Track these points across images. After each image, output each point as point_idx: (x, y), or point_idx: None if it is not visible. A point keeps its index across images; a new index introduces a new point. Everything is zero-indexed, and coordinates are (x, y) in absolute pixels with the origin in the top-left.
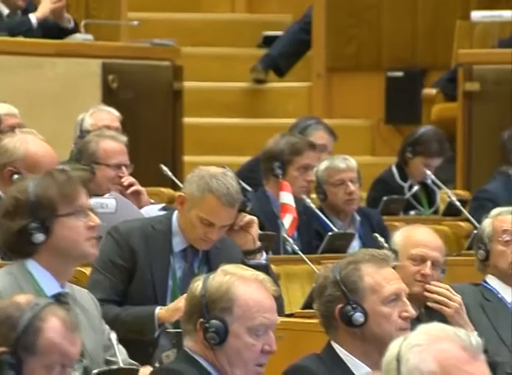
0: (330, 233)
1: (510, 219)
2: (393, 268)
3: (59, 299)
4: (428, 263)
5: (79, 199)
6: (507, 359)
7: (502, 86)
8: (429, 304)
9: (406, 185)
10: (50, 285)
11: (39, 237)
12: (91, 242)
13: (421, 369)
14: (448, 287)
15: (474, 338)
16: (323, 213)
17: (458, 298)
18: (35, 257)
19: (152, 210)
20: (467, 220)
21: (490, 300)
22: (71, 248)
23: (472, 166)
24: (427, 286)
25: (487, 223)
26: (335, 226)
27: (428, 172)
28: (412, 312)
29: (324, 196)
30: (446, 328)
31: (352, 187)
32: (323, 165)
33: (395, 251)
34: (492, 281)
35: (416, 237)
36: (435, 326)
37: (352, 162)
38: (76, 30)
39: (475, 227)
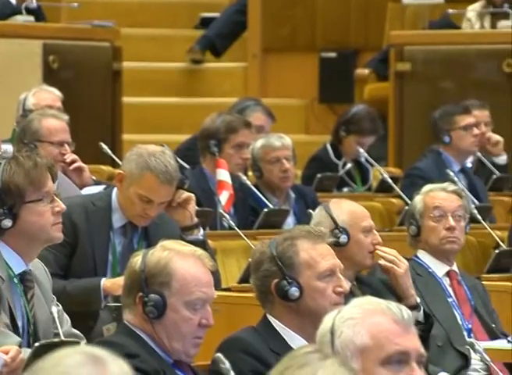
0: (266, 210)
1: (441, 195)
2: (346, 245)
3: (25, 278)
4: (375, 231)
5: (46, 185)
6: (438, 332)
7: (432, 66)
8: (380, 262)
9: (340, 163)
10: (17, 264)
11: (6, 222)
12: (57, 226)
13: (354, 341)
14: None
15: (406, 311)
16: (259, 190)
17: (405, 261)
18: (3, 238)
19: (97, 190)
20: (399, 197)
21: (421, 275)
22: (38, 233)
23: (404, 144)
24: (377, 247)
25: (418, 200)
26: (270, 203)
27: (362, 150)
28: (346, 287)
29: (260, 173)
30: (378, 302)
31: (287, 164)
32: (259, 143)
33: (344, 229)
34: (423, 256)
35: (358, 210)
36: (367, 300)
37: (287, 140)
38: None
39: (407, 204)
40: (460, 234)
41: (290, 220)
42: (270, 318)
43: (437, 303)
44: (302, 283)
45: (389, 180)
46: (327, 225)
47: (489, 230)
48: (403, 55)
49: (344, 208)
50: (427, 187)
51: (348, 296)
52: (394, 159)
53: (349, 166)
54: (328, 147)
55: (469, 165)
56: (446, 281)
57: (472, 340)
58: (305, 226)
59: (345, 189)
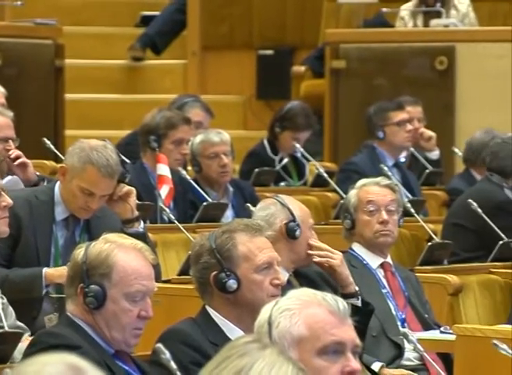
0: (205, 204)
1: (374, 190)
2: (297, 238)
3: None
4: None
5: None
6: (373, 323)
7: (366, 63)
8: (315, 259)
9: (276, 158)
10: None
11: None
12: (3, 221)
13: (291, 332)
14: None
15: (342, 303)
16: (198, 184)
17: (338, 252)
18: None
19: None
20: (334, 191)
21: (356, 267)
22: None
23: (339, 140)
24: (310, 242)
25: (352, 194)
26: (209, 197)
27: (297, 145)
28: (283, 279)
29: (199, 168)
30: (314, 293)
31: (225, 159)
32: (198, 138)
33: (298, 225)
34: (358, 249)
35: (305, 207)
36: (304, 292)
37: (225, 135)
38: None
39: (342, 198)
40: (393, 228)
41: (229, 214)
42: (209, 309)
43: (372, 294)
44: (240, 276)
45: (325, 175)
46: (282, 217)
47: (422, 223)
48: (339, 52)
49: (295, 204)
50: (361, 182)
51: (286, 287)
52: (330, 154)
53: (285, 161)
54: (265, 142)
55: (403, 160)
56: (381, 273)
57: (406, 330)
58: (243, 220)
59: (282, 183)
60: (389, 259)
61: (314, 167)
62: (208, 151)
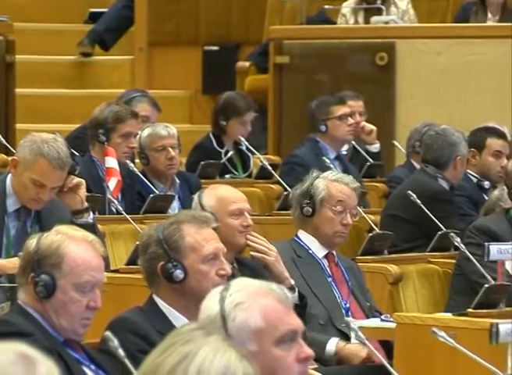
0: (152, 195)
1: (345, 190)
2: (215, 229)
3: None
4: (246, 214)
5: None
6: (320, 311)
7: (309, 59)
8: (252, 253)
9: (222, 151)
10: None
11: None
12: None
13: (249, 325)
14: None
15: (286, 290)
16: (146, 177)
17: (273, 247)
18: None
19: None
20: (278, 183)
21: (301, 256)
22: None
23: (282, 133)
24: (248, 236)
25: (321, 185)
26: (156, 189)
27: (242, 138)
28: (228, 270)
29: (146, 161)
30: (260, 283)
31: (172, 152)
32: (146, 132)
33: (212, 214)
34: (304, 237)
35: (227, 195)
36: (248, 283)
37: (172, 129)
38: None
39: (285, 189)
40: (348, 230)
41: (175, 205)
42: (156, 298)
43: (318, 283)
44: (187, 266)
45: (269, 167)
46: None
47: (363, 214)
48: (282, 48)
49: (214, 194)
50: (331, 175)
51: (229, 278)
52: (273, 148)
53: (231, 153)
54: (211, 136)
55: (344, 152)
56: (325, 263)
57: (348, 318)
58: (190, 211)
59: (227, 176)
60: (333, 251)
61: (259, 160)
62: (155, 145)
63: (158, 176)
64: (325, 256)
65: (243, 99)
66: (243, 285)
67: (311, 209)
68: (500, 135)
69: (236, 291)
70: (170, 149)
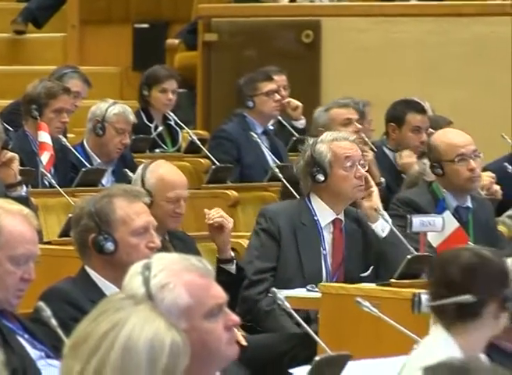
0: (84, 169)
1: (348, 145)
2: (149, 206)
3: None
4: (182, 202)
5: None
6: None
7: (237, 37)
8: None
9: (152, 125)
10: None
11: None
12: None
13: (177, 304)
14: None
15: (205, 262)
16: (84, 148)
17: (230, 218)
18: None
19: None
20: (207, 157)
21: (305, 223)
22: None
23: (211, 109)
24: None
25: (324, 149)
26: (94, 163)
27: (171, 113)
28: (158, 243)
29: (102, 132)
30: (179, 259)
31: (127, 139)
32: (116, 109)
33: (149, 192)
34: (314, 201)
35: (168, 179)
36: (169, 261)
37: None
38: None
39: (214, 163)
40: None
41: (109, 179)
42: (88, 269)
43: (309, 257)
44: (117, 239)
45: (198, 142)
46: (137, 184)
47: (289, 187)
48: (211, 26)
49: (157, 174)
50: (328, 137)
51: (160, 250)
52: (202, 123)
53: (160, 128)
54: (141, 111)
55: (271, 127)
56: (330, 229)
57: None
58: (122, 185)
59: (157, 150)
60: (341, 216)
61: (188, 135)
62: (118, 125)
63: (101, 151)
64: (332, 222)
65: (165, 69)
66: (165, 263)
67: (322, 175)
68: (419, 110)
69: (159, 271)
70: (127, 135)
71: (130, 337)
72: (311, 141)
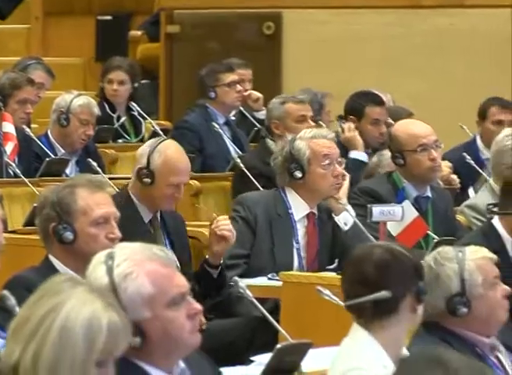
0: (47, 159)
1: (327, 143)
2: (149, 185)
3: None
4: (182, 187)
5: None
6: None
7: (199, 28)
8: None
9: (114, 116)
10: None
11: None
12: None
13: (140, 293)
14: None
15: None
16: (48, 139)
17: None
18: None
19: None
20: None
21: (281, 215)
22: None
23: (173, 99)
24: (215, 220)
25: (303, 146)
26: (58, 153)
27: (134, 103)
28: (118, 234)
29: (67, 123)
30: (142, 249)
31: (92, 131)
32: (80, 100)
33: (152, 172)
34: (290, 194)
35: (174, 164)
36: (132, 250)
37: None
38: None
39: None
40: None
41: (73, 169)
42: (51, 258)
43: (282, 249)
44: (76, 229)
45: (160, 132)
46: (142, 160)
47: (251, 176)
48: (173, 18)
49: (165, 156)
50: (307, 134)
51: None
52: (164, 113)
53: (123, 119)
54: (103, 102)
55: (233, 118)
56: (303, 223)
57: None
58: (86, 175)
59: (120, 140)
60: (314, 209)
61: (150, 125)
62: (82, 116)
63: (65, 141)
64: (306, 216)
65: (116, 61)
66: (128, 253)
67: (300, 172)
68: (378, 102)
69: (122, 261)
70: (91, 126)
71: (68, 319)
72: (289, 137)
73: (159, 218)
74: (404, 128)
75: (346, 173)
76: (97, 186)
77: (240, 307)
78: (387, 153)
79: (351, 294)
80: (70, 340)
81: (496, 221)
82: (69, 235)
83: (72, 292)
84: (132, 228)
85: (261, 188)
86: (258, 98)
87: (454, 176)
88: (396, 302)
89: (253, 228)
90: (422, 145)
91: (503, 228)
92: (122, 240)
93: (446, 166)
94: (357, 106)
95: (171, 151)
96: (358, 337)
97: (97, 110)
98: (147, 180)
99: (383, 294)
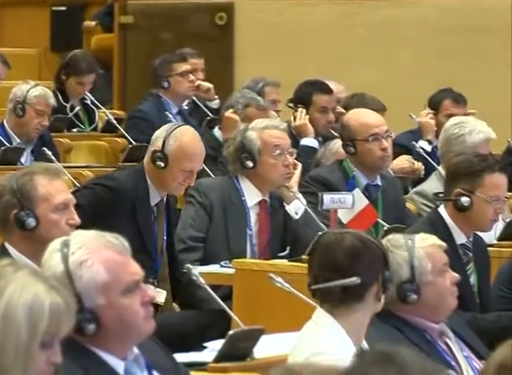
0: (3, 148)
1: (278, 134)
2: (162, 168)
3: None
4: (195, 173)
5: None
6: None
7: (153, 19)
8: None
9: (68, 105)
10: None
11: None
12: None
13: (95, 280)
14: None
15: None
16: (4, 128)
17: None
18: None
19: None
20: (123, 136)
21: (234, 202)
22: None
23: (127, 89)
24: None
25: (254, 136)
26: (13, 143)
27: (88, 93)
28: (77, 219)
29: (22, 113)
30: (96, 236)
31: (46, 121)
32: (36, 91)
33: (166, 156)
34: (243, 182)
35: (188, 151)
36: (87, 238)
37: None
38: None
39: (130, 142)
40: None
41: (28, 158)
42: (7, 246)
43: (235, 235)
44: (38, 215)
45: (114, 121)
46: (158, 143)
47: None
48: (127, 8)
49: (180, 141)
50: (259, 124)
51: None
52: (118, 103)
53: (77, 108)
54: (57, 91)
55: (185, 107)
56: (256, 210)
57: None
58: (43, 164)
59: (74, 130)
60: (266, 197)
61: (104, 114)
62: (38, 106)
63: (20, 131)
64: (258, 203)
65: (86, 62)
66: (83, 240)
67: (251, 162)
68: (325, 90)
69: (77, 249)
70: (46, 117)
71: (9, 304)
72: (242, 126)
73: (165, 201)
74: (357, 117)
75: (297, 163)
76: (54, 173)
77: (201, 292)
78: (332, 143)
79: (320, 279)
80: (13, 324)
81: (442, 209)
82: (31, 221)
83: (12, 277)
84: (138, 208)
85: (210, 172)
86: (209, 88)
87: (419, 164)
88: (365, 289)
89: (209, 213)
90: (374, 135)
91: (449, 216)
92: (128, 216)
93: (405, 160)
94: (305, 95)
95: (187, 137)
96: (323, 321)
97: (53, 101)
98: (161, 163)
99: (353, 280)
